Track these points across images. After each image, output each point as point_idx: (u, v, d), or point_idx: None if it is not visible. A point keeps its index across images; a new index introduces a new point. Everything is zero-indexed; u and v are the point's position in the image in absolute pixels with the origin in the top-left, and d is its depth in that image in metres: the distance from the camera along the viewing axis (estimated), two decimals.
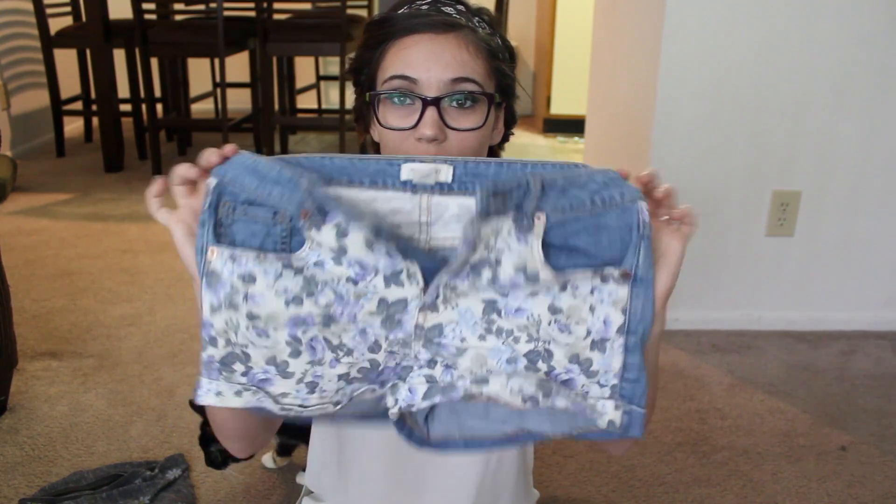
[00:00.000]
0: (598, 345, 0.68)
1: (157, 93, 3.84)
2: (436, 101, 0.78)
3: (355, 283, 0.66)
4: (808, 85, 1.93)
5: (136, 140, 3.76)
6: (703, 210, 2.01)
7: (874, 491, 1.49)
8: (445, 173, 0.66)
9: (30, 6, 3.57)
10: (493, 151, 0.92)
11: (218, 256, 0.66)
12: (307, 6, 3.84)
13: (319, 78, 4.34)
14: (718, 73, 1.92)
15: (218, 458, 1.36)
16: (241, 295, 0.66)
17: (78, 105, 3.93)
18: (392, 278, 0.66)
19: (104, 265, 2.50)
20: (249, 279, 0.66)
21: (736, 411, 1.75)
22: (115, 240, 2.73)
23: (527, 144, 4.21)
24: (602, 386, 0.68)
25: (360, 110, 0.89)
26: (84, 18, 3.47)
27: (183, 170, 0.68)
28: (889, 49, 1.90)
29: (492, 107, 0.82)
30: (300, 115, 4.28)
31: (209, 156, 0.67)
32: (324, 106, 4.51)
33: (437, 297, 0.67)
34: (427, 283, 0.66)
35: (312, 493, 1.05)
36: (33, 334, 2.03)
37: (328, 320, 0.67)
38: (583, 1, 3.93)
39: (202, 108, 4.43)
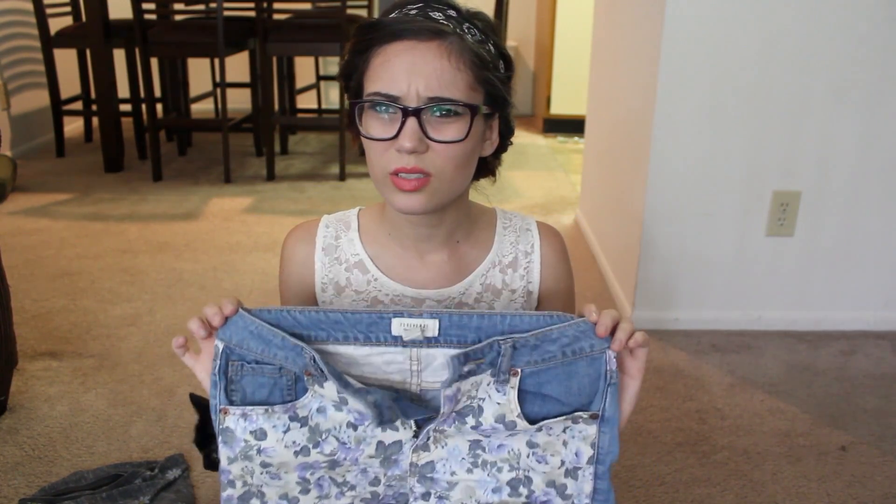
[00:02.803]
0: (572, 473, 0.77)
1: (157, 93, 3.85)
2: (416, 112, 0.77)
3: (355, 427, 0.74)
4: (808, 85, 1.93)
5: (136, 140, 3.76)
6: (703, 210, 2.02)
7: (874, 491, 1.49)
8: (432, 328, 0.73)
9: (30, 6, 3.57)
10: (487, 163, 0.89)
11: (231, 416, 0.74)
12: (307, 6, 3.84)
13: (319, 78, 4.35)
14: (718, 73, 1.92)
15: (217, 460, 1.36)
16: (255, 449, 0.74)
17: (78, 105, 3.93)
18: (388, 423, 0.75)
19: (104, 265, 2.50)
20: (261, 435, 0.74)
21: (736, 411, 1.75)
22: (115, 240, 2.73)
23: (527, 144, 4.22)
24: None
25: (351, 116, 0.87)
26: (84, 18, 3.47)
27: (195, 327, 0.73)
28: (889, 49, 1.90)
29: (475, 119, 0.79)
30: (300, 115, 4.28)
31: (212, 315, 0.72)
32: (324, 106, 4.51)
33: (429, 439, 0.75)
34: (419, 424, 0.75)
35: None
36: (33, 334, 2.03)
37: (333, 464, 0.76)
38: (583, 1, 3.93)
39: (202, 108, 4.43)
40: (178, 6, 3.60)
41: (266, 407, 0.73)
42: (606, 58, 2.58)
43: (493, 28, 0.84)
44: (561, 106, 4.44)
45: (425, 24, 0.79)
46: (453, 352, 0.71)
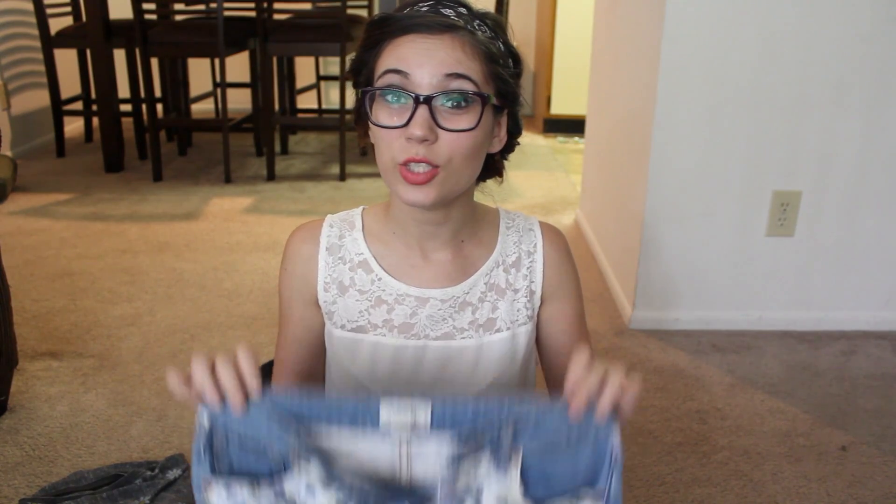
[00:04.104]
0: None
1: (158, 93, 3.85)
2: (427, 100, 0.77)
3: None
4: (808, 85, 1.93)
5: (137, 140, 3.76)
6: (703, 210, 2.02)
7: (874, 491, 1.49)
8: (424, 416, 0.67)
9: (30, 6, 3.57)
10: (494, 160, 0.89)
11: (214, 487, 0.67)
12: (307, 6, 3.84)
13: (319, 78, 4.35)
14: (718, 73, 1.92)
15: None
16: None
17: (78, 105, 3.93)
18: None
19: (104, 265, 2.50)
20: None
21: (736, 411, 1.75)
22: (115, 240, 2.73)
23: (527, 144, 4.21)
24: None
25: (359, 112, 0.87)
26: (84, 18, 3.47)
27: (209, 395, 0.67)
28: (889, 48, 1.90)
29: (485, 108, 0.79)
30: (300, 115, 4.28)
31: (233, 392, 0.67)
32: (324, 106, 4.51)
33: None
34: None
35: None
36: (33, 334, 2.03)
37: None
38: (583, 1, 3.93)
39: (202, 108, 4.44)
40: (178, 6, 3.60)
41: (252, 481, 0.67)
42: (606, 58, 2.58)
43: (502, 26, 0.84)
44: (561, 106, 4.44)
45: (437, 19, 0.79)
46: (444, 448, 0.66)
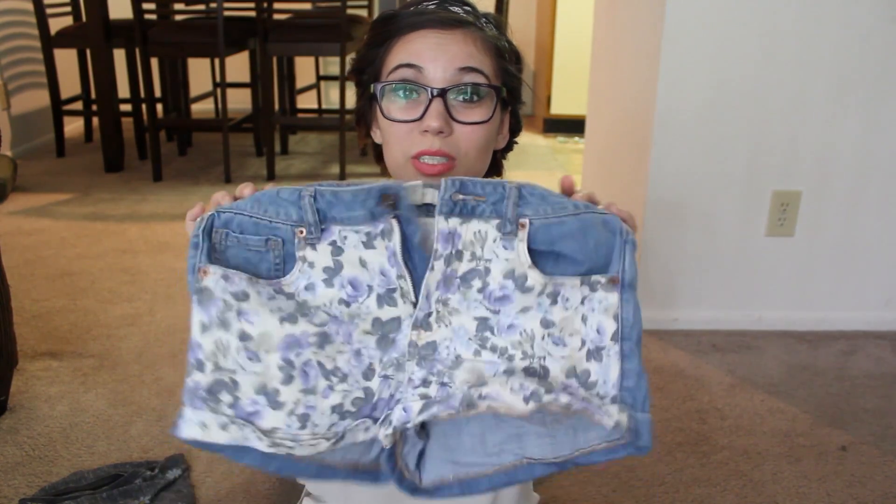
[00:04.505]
0: (595, 354, 0.66)
1: (157, 93, 3.85)
2: (442, 93, 0.77)
3: (348, 304, 0.67)
4: (808, 85, 1.93)
5: (136, 140, 3.76)
6: (703, 210, 2.02)
7: (874, 491, 1.49)
8: (432, 195, 0.67)
9: (30, 6, 3.57)
10: (496, 158, 0.90)
11: (211, 275, 0.65)
12: (307, 6, 3.85)
13: (319, 78, 4.35)
14: (718, 73, 1.92)
15: None
16: (234, 311, 0.65)
17: (78, 105, 3.93)
18: (385, 297, 0.67)
19: (104, 265, 2.50)
20: (242, 296, 0.65)
21: (736, 411, 1.75)
22: (115, 240, 2.73)
23: (527, 144, 4.21)
24: (602, 397, 0.67)
25: (361, 111, 0.88)
26: (84, 18, 3.47)
27: (221, 197, 0.71)
28: (889, 48, 1.90)
29: (498, 101, 0.81)
30: (300, 115, 4.28)
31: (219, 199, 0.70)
32: (324, 106, 4.51)
33: (430, 313, 0.67)
34: (416, 285, 0.66)
35: (312, 494, 1.04)
36: (33, 334, 2.03)
37: (323, 340, 0.66)
38: (583, 1, 3.93)
39: (202, 108, 4.44)
40: (178, 6, 3.60)
41: (250, 276, 0.65)
42: (606, 57, 2.58)
43: (502, 25, 0.87)
44: (561, 106, 4.44)
45: (448, 15, 0.80)
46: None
